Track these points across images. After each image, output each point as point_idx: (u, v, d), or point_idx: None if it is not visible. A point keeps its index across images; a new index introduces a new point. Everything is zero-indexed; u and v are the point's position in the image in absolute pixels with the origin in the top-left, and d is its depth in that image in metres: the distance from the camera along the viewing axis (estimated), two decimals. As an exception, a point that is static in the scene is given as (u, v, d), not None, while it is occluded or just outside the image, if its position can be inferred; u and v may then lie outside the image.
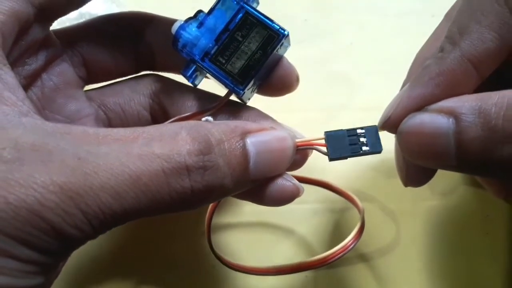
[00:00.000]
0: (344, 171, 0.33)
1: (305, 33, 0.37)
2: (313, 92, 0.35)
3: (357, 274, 0.31)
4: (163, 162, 0.18)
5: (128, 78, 0.29)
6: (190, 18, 0.26)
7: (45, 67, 0.26)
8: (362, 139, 0.24)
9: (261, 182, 0.23)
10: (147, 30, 0.28)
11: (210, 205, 0.27)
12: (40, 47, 0.25)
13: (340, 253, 0.25)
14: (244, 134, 0.21)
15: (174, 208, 0.19)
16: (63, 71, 0.26)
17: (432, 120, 0.20)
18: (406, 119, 0.21)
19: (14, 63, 0.23)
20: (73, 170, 0.17)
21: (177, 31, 0.25)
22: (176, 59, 0.26)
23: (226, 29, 0.25)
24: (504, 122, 0.18)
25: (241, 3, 0.25)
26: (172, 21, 0.26)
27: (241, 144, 0.21)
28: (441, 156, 0.20)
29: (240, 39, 0.25)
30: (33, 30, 0.24)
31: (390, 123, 0.23)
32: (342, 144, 0.24)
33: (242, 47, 0.25)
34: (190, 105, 0.27)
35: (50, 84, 0.26)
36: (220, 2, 0.25)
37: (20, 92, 0.20)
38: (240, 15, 0.25)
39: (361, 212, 0.27)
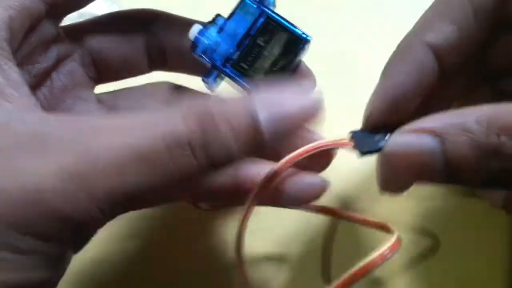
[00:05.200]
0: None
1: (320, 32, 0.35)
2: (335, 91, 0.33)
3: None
4: (166, 137, 0.18)
5: (143, 84, 0.28)
6: (208, 23, 0.25)
7: (55, 66, 0.25)
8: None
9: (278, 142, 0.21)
10: (159, 29, 0.27)
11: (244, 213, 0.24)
12: (50, 45, 0.24)
13: (378, 261, 0.23)
14: (253, 102, 0.20)
15: (182, 181, 0.19)
16: (73, 70, 0.26)
17: (418, 140, 0.20)
18: (390, 140, 0.21)
19: (23, 60, 0.23)
20: (74, 153, 0.17)
21: (197, 37, 0.24)
22: (189, 59, 0.25)
23: (247, 34, 0.24)
24: (488, 139, 0.18)
25: (261, 7, 0.24)
26: (184, 20, 0.26)
27: (247, 114, 0.19)
28: (429, 174, 0.20)
29: (263, 44, 0.24)
30: (44, 27, 0.23)
31: (372, 119, 0.24)
32: (369, 140, 0.23)
33: (264, 52, 0.24)
34: None
35: (59, 84, 0.25)
36: (240, 6, 0.24)
37: (24, 89, 0.20)
38: (262, 19, 0.24)
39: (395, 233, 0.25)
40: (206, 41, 0.24)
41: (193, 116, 0.18)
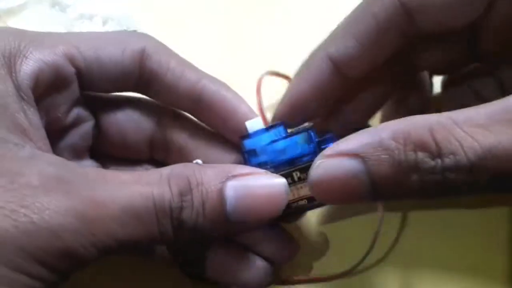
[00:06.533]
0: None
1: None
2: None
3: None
4: (156, 202, 0.21)
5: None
6: (269, 127, 0.25)
7: (70, 126, 0.27)
8: None
9: (246, 226, 0.23)
10: (167, 125, 0.28)
11: None
12: (72, 106, 0.26)
13: None
14: (227, 177, 0.22)
15: (158, 242, 0.22)
16: (83, 136, 0.27)
17: (341, 165, 0.20)
18: (313, 167, 0.21)
19: (45, 111, 0.24)
20: (89, 201, 0.20)
21: (250, 134, 0.25)
22: (192, 154, 0.27)
23: (290, 162, 0.24)
24: (407, 155, 0.19)
25: (316, 149, 0.24)
26: (194, 122, 0.27)
27: (218, 187, 0.22)
28: (357, 195, 0.20)
29: (296, 179, 0.24)
30: (72, 89, 0.25)
31: (276, 120, 0.27)
32: None
33: (291, 186, 0.24)
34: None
35: (67, 142, 0.27)
36: (301, 134, 0.24)
37: (43, 132, 0.23)
38: (309, 158, 0.23)
39: None
40: (253, 145, 0.25)
41: (177, 185, 0.21)
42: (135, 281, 0.29)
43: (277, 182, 0.23)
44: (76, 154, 0.27)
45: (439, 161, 0.19)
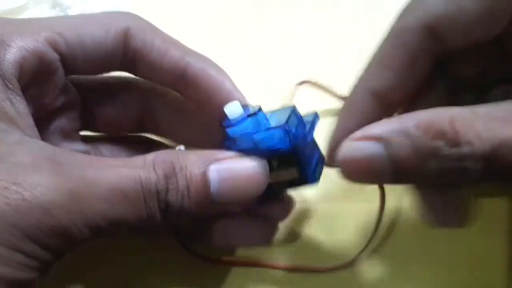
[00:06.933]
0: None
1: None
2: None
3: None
4: (143, 184, 0.22)
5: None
6: (250, 115, 0.25)
7: (58, 110, 0.27)
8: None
9: (231, 206, 0.24)
10: (157, 103, 0.29)
11: None
12: (59, 92, 0.26)
13: None
14: (210, 161, 0.23)
15: (148, 225, 0.22)
16: (72, 119, 0.28)
17: (366, 146, 0.22)
18: (341, 148, 0.23)
19: (32, 98, 0.25)
20: (78, 180, 0.20)
21: (233, 126, 0.25)
22: (180, 130, 0.29)
23: (268, 151, 0.25)
24: (426, 142, 0.20)
25: (294, 143, 0.24)
26: (181, 99, 0.28)
27: (201, 170, 0.22)
28: (379, 176, 0.22)
29: (275, 167, 0.25)
30: (57, 75, 0.25)
31: (329, 157, 0.27)
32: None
33: (271, 173, 0.24)
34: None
35: (56, 126, 0.27)
36: (276, 130, 0.24)
37: (30, 120, 0.23)
38: (286, 149, 0.24)
39: None
40: (235, 132, 0.25)
41: (162, 169, 0.22)
42: (135, 262, 0.29)
43: (257, 163, 0.24)
44: (66, 137, 0.27)
45: (456, 149, 0.20)
